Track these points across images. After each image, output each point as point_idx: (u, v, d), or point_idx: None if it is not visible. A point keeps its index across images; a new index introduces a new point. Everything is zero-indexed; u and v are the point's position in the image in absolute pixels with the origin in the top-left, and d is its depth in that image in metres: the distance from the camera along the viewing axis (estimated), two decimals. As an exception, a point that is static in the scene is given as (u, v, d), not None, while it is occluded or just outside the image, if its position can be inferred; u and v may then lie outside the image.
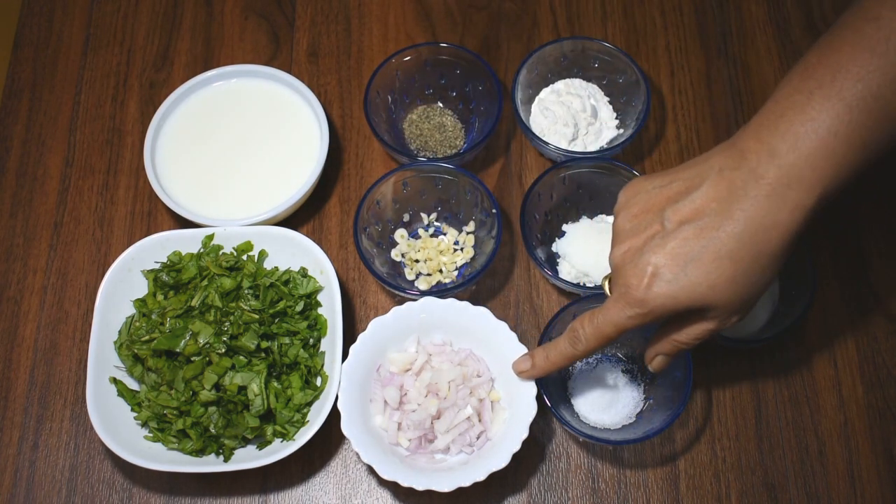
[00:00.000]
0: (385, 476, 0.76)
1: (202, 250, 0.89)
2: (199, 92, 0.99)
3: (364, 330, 0.83)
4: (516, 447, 0.77)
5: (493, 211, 0.87)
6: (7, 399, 0.89)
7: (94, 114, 1.03)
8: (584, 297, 0.83)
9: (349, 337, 0.86)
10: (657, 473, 0.84)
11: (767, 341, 0.83)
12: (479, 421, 0.81)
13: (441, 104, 1.00)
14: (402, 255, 0.92)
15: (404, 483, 0.76)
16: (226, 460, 0.81)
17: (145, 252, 0.88)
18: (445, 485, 0.75)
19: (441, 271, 0.92)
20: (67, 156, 1.01)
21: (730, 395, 0.87)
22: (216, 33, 1.07)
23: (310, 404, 0.83)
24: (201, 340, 0.81)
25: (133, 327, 0.85)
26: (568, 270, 0.90)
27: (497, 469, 0.76)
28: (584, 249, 0.89)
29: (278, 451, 0.78)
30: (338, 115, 1.02)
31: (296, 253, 0.88)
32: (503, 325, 0.82)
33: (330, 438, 0.85)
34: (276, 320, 0.85)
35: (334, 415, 0.79)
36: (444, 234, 0.94)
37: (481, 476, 0.76)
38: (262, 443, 0.82)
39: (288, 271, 0.88)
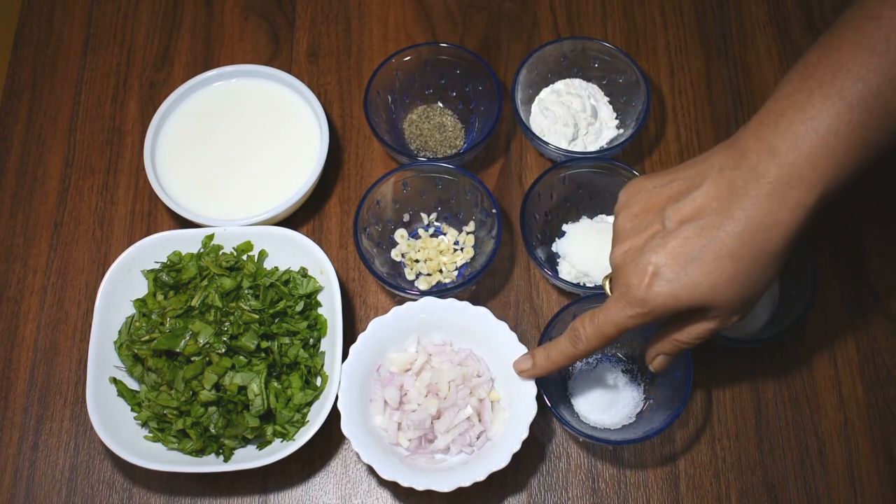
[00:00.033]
0: (385, 476, 0.76)
1: (202, 250, 0.89)
2: (199, 92, 0.99)
3: (364, 330, 0.83)
4: (516, 447, 0.77)
5: (493, 211, 0.87)
6: (7, 399, 0.89)
7: (94, 114, 1.03)
8: (584, 297, 0.83)
9: (349, 337, 0.86)
10: (657, 473, 0.84)
11: (767, 341, 0.83)
12: (479, 421, 0.81)
13: (441, 104, 1.00)
14: (402, 255, 0.92)
15: (404, 483, 0.76)
16: (226, 460, 0.81)
17: (145, 252, 0.88)
18: (445, 485, 0.75)
19: (441, 271, 0.92)
20: (67, 156, 1.01)
21: (730, 395, 0.87)
22: (216, 33, 1.07)
23: (310, 404, 0.83)
24: (201, 340, 0.81)
25: (133, 327, 0.85)
26: (568, 270, 0.90)
27: (497, 469, 0.76)
28: (584, 249, 0.89)
29: (278, 451, 0.78)
30: (338, 115, 1.02)
31: (296, 253, 0.88)
32: (503, 325, 0.82)
33: (330, 438, 0.85)
34: (276, 320, 0.85)
35: (334, 415, 0.79)
36: (444, 234, 0.94)
37: (481, 476, 0.76)
38: (262, 443, 0.82)
39: (288, 271, 0.88)
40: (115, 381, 0.83)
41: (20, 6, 1.10)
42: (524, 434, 0.77)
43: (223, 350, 0.81)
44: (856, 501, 0.82)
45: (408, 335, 0.84)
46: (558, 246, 0.92)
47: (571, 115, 0.95)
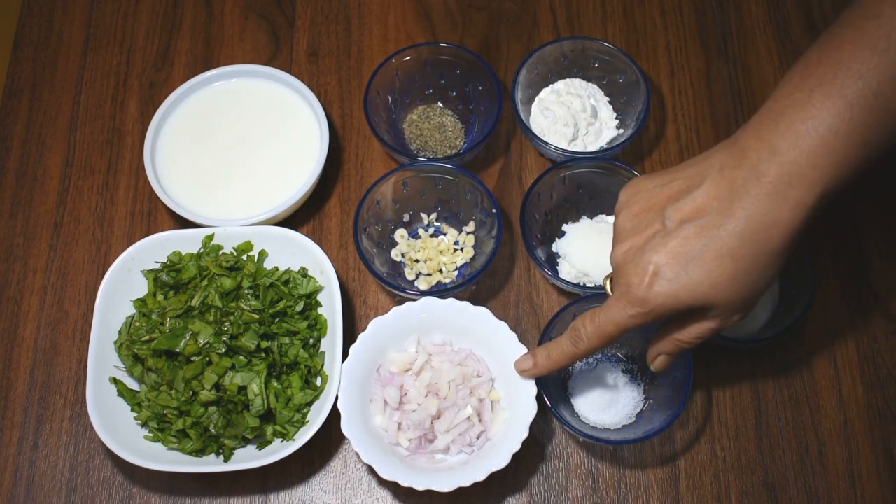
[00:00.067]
0: (385, 476, 0.76)
1: (202, 250, 0.88)
2: (199, 92, 0.99)
3: (364, 330, 0.83)
4: (516, 447, 0.77)
5: (493, 211, 0.87)
6: (7, 399, 0.89)
7: (94, 114, 1.03)
8: (584, 297, 0.83)
9: (349, 337, 0.86)
10: (657, 473, 0.84)
11: (767, 341, 0.83)
12: (479, 421, 0.81)
13: (441, 104, 1.00)
14: (402, 255, 0.92)
15: (404, 483, 0.76)
16: (226, 460, 0.81)
17: (145, 252, 0.88)
18: (445, 485, 0.75)
19: (441, 271, 0.92)
20: (67, 156, 1.01)
21: (730, 395, 0.87)
22: (216, 33, 1.07)
23: (310, 404, 0.83)
24: (201, 340, 0.81)
25: (133, 327, 0.85)
26: (568, 270, 0.90)
27: (497, 469, 0.76)
28: (584, 249, 0.89)
29: (278, 451, 0.78)
30: (338, 115, 1.02)
31: (296, 253, 0.88)
32: (503, 325, 0.82)
33: (330, 438, 0.85)
34: (276, 320, 0.85)
35: (334, 415, 0.79)
36: (444, 234, 0.94)
37: (481, 476, 0.76)
38: (262, 443, 0.82)
39: (288, 271, 0.88)
40: (115, 381, 0.83)
41: (20, 6, 1.10)
42: (524, 434, 0.77)
43: (223, 350, 0.81)
44: (856, 501, 0.82)
45: (408, 335, 0.84)
46: (558, 246, 0.92)
47: (571, 115, 0.95)
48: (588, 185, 0.92)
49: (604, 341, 0.70)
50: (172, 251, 0.88)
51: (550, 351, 0.75)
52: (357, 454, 0.77)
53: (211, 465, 0.80)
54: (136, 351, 0.83)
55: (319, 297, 0.87)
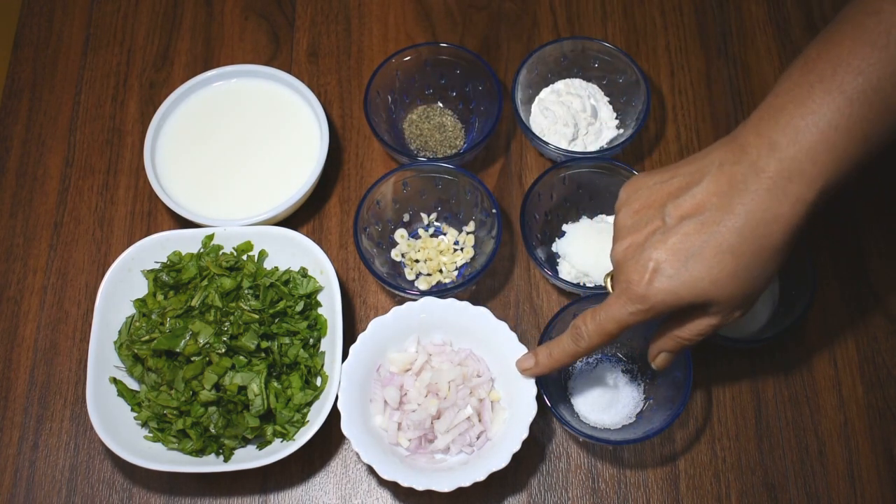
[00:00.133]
0: (385, 476, 0.76)
1: (202, 250, 0.88)
2: (199, 92, 0.99)
3: (364, 330, 0.83)
4: (516, 447, 0.77)
5: (493, 211, 0.87)
6: (7, 399, 0.89)
7: (94, 114, 1.03)
8: (584, 297, 0.83)
9: (349, 337, 0.86)
10: (657, 473, 0.84)
11: (767, 341, 0.83)
12: (479, 421, 0.81)
13: (441, 104, 1.00)
14: (402, 255, 0.92)
15: (404, 483, 0.76)
16: (226, 460, 0.81)
17: (145, 252, 0.88)
18: (445, 485, 0.75)
19: (441, 271, 0.92)
20: (67, 156, 1.01)
21: (730, 395, 0.87)
22: (216, 33, 1.07)
23: (310, 404, 0.83)
24: (201, 340, 0.81)
25: (133, 327, 0.85)
26: (568, 270, 0.90)
27: (497, 469, 0.76)
28: (584, 249, 0.89)
29: (278, 451, 0.78)
30: (338, 115, 1.02)
31: (296, 253, 0.88)
32: (503, 325, 0.82)
33: (330, 438, 0.85)
34: (276, 320, 0.85)
35: (334, 415, 0.79)
36: (444, 234, 0.94)
37: (481, 476, 0.76)
38: (262, 443, 0.82)
39: (288, 271, 0.88)
40: (115, 381, 0.83)
41: (20, 6, 1.10)
42: (524, 434, 0.77)
43: (223, 350, 0.81)
44: (856, 501, 0.82)
45: (408, 335, 0.84)
46: (558, 246, 0.92)
47: (571, 115, 0.95)
48: (588, 185, 0.92)
49: (605, 339, 0.70)
50: (172, 251, 0.88)
51: (551, 349, 0.75)
52: (357, 454, 0.77)
53: (211, 465, 0.80)
54: (136, 351, 0.83)
55: (319, 297, 0.87)
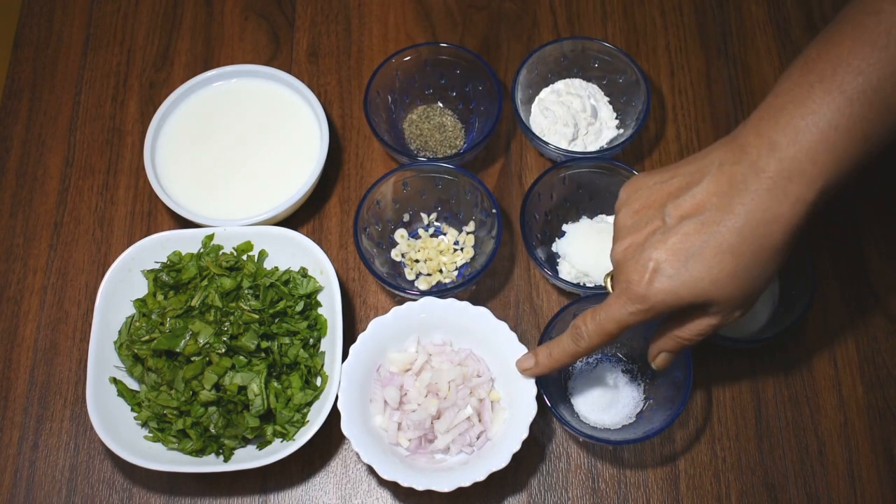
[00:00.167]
0: (385, 476, 0.76)
1: (202, 250, 0.88)
2: (199, 92, 0.99)
3: (364, 330, 0.83)
4: (516, 447, 0.77)
5: (493, 211, 0.87)
6: (7, 399, 0.89)
7: (94, 114, 1.03)
8: (584, 297, 0.83)
9: (349, 337, 0.86)
10: (657, 473, 0.84)
11: (767, 341, 0.83)
12: (479, 421, 0.81)
13: (441, 104, 1.00)
14: (402, 255, 0.92)
15: (404, 483, 0.76)
16: (226, 460, 0.81)
17: (145, 252, 0.88)
18: (445, 485, 0.75)
19: (441, 271, 0.92)
20: (67, 156, 1.01)
21: (730, 395, 0.87)
22: (216, 33, 1.07)
23: (310, 404, 0.83)
24: (201, 340, 0.81)
25: (133, 327, 0.85)
26: (568, 270, 0.90)
27: (497, 469, 0.76)
28: (584, 249, 0.89)
29: (278, 451, 0.78)
30: (338, 115, 1.02)
31: (296, 253, 0.88)
32: (503, 325, 0.82)
33: (330, 438, 0.85)
34: (276, 320, 0.85)
35: (334, 415, 0.79)
36: (444, 234, 0.94)
37: (481, 476, 0.76)
38: (262, 443, 0.82)
39: (288, 271, 0.88)
40: (115, 381, 0.83)
41: (20, 6, 1.10)
42: (524, 434, 0.77)
43: (223, 350, 0.81)
44: (856, 501, 0.82)
45: (408, 335, 0.84)
46: (558, 246, 0.92)
47: (571, 115, 0.95)
48: (588, 185, 0.92)
49: (605, 339, 0.70)
50: (172, 251, 0.88)
51: (552, 349, 0.75)
52: (357, 454, 0.77)
53: (211, 465, 0.80)
54: (136, 351, 0.83)
55: (319, 297, 0.87)
